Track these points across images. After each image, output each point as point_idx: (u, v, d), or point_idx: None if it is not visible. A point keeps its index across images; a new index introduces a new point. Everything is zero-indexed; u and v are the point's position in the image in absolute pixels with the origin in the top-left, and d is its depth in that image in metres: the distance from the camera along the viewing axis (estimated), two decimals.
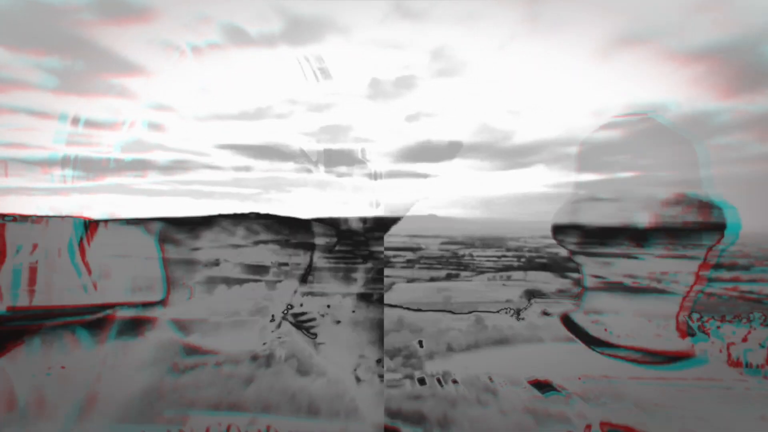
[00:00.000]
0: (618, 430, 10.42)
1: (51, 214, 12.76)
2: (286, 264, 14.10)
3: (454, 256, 69.21)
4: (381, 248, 14.58)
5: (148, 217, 13.47)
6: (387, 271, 15.17)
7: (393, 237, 15.97)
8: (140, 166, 14.92)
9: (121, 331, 12.40)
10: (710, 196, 13.26)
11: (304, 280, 13.74)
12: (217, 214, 13.89)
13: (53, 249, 12.56)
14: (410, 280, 57.73)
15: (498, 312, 16.68)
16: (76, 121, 14.15)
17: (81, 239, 12.81)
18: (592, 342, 13.39)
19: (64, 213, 12.93)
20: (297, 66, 14.53)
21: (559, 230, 15.34)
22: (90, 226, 12.99)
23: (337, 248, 14.92)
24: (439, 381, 11.89)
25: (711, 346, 13.02)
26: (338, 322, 13.95)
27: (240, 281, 13.77)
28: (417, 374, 12.26)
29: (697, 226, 13.09)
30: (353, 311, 14.33)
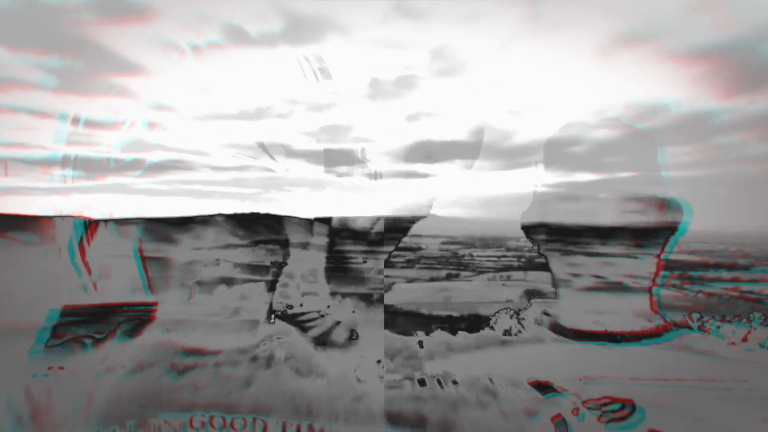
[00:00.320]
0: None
1: (51, 214, 12.74)
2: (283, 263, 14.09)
3: (454, 256, 69.20)
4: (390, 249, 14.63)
5: (147, 217, 13.46)
6: (387, 271, 15.16)
7: (393, 237, 15.95)
8: (140, 166, 14.89)
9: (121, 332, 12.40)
10: (667, 194, 14.07)
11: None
12: (217, 214, 13.88)
13: (53, 249, 12.56)
14: (410, 280, 57.72)
15: (498, 312, 16.72)
16: (76, 121, 14.12)
17: (81, 239, 12.79)
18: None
19: (64, 213, 12.91)
20: (297, 66, 14.52)
21: (527, 229, 16.14)
22: (90, 226, 12.97)
23: (338, 248, 14.91)
24: (439, 382, 11.85)
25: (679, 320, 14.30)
26: (338, 322, 13.94)
27: (240, 281, 13.76)
28: (417, 375, 12.21)
29: (656, 224, 13.98)
30: (353, 311, 14.32)
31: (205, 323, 12.74)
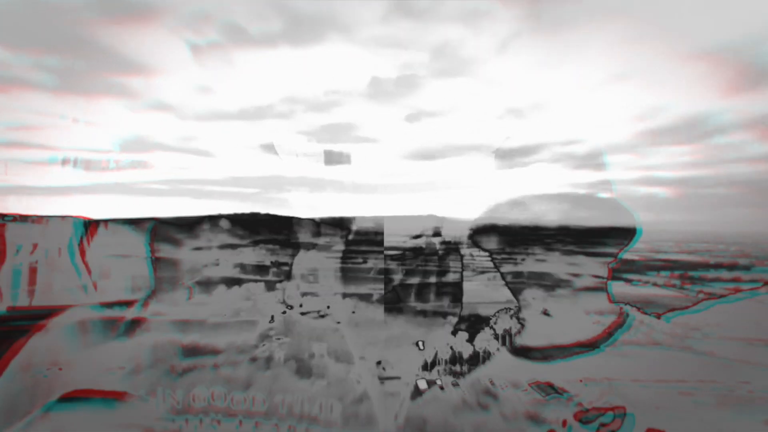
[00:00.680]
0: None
1: (51, 214, 12.72)
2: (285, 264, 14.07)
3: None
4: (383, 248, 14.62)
5: (147, 217, 13.44)
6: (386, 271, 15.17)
7: (393, 237, 15.94)
8: (140, 166, 14.88)
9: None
10: (619, 200, 14.70)
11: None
12: (218, 214, 13.86)
13: (53, 249, 12.53)
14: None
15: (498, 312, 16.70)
16: (76, 121, 14.10)
17: (81, 239, 12.77)
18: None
19: (64, 213, 12.90)
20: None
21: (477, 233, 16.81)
22: (90, 226, 12.96)
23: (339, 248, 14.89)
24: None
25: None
26: (338, 323, 13.91)
27: (239, 281, 13.73)
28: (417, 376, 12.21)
29: (607, 229, 14.55)
30: (353, 312, 14.31)
31: (207, 323, 12.73)
